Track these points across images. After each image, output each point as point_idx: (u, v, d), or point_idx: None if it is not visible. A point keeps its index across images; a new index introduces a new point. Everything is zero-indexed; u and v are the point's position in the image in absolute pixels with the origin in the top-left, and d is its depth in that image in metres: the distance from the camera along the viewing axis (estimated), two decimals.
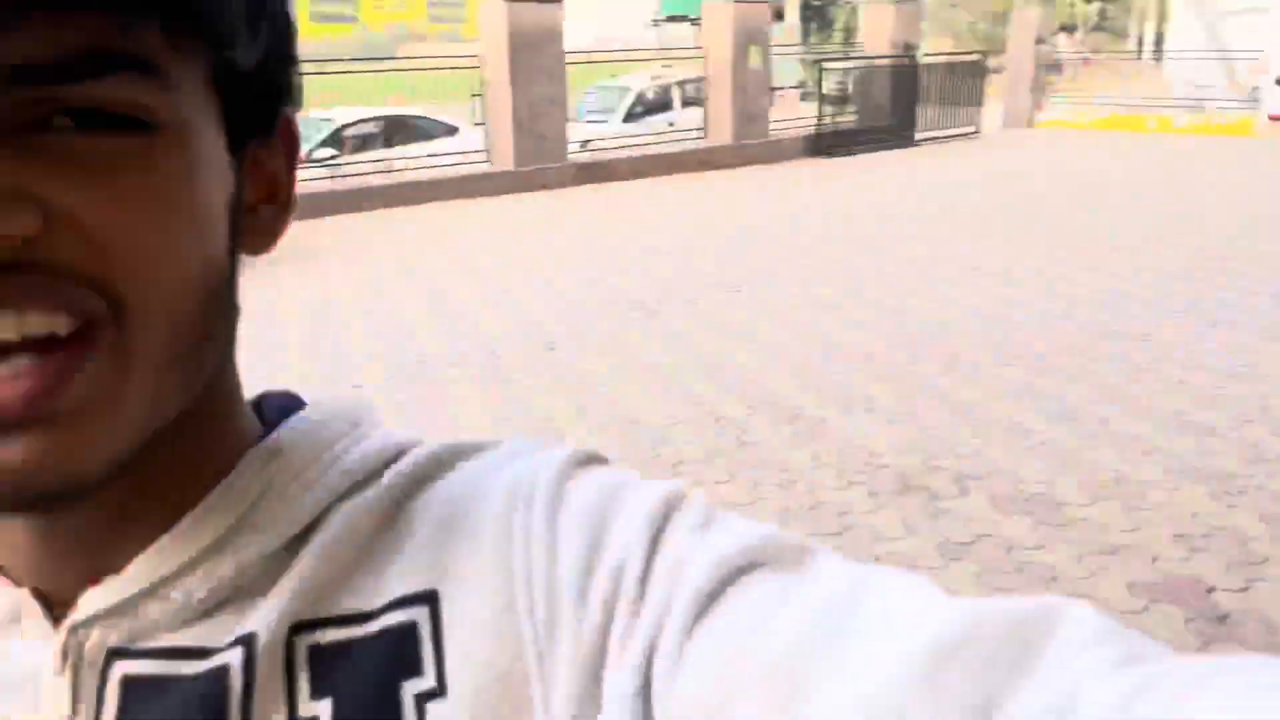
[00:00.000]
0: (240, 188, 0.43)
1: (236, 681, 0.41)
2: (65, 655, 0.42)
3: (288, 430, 0.47)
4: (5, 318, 0.34)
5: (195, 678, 0.41)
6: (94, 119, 0.36)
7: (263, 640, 0.41)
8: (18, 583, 0.43)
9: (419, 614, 0.42)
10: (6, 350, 0.35)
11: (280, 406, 0.49)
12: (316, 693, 0.41)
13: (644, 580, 0.39)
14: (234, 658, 0.41)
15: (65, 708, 0.41)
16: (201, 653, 0.41)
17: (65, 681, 0.41)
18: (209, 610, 0.42)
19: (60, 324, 0.35)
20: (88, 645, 0.42)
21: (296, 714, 0.41)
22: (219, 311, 0.42)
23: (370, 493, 0.45)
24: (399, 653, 0.41)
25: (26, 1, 0.33)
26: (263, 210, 0.46)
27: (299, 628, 0.42)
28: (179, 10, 0.36)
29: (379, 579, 0.43)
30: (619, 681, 0.38)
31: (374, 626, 0.42)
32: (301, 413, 0.48)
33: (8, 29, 0.33)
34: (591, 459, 0.46)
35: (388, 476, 0.45)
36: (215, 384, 0.44)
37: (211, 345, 0.42)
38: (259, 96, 0.43)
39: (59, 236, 0.35)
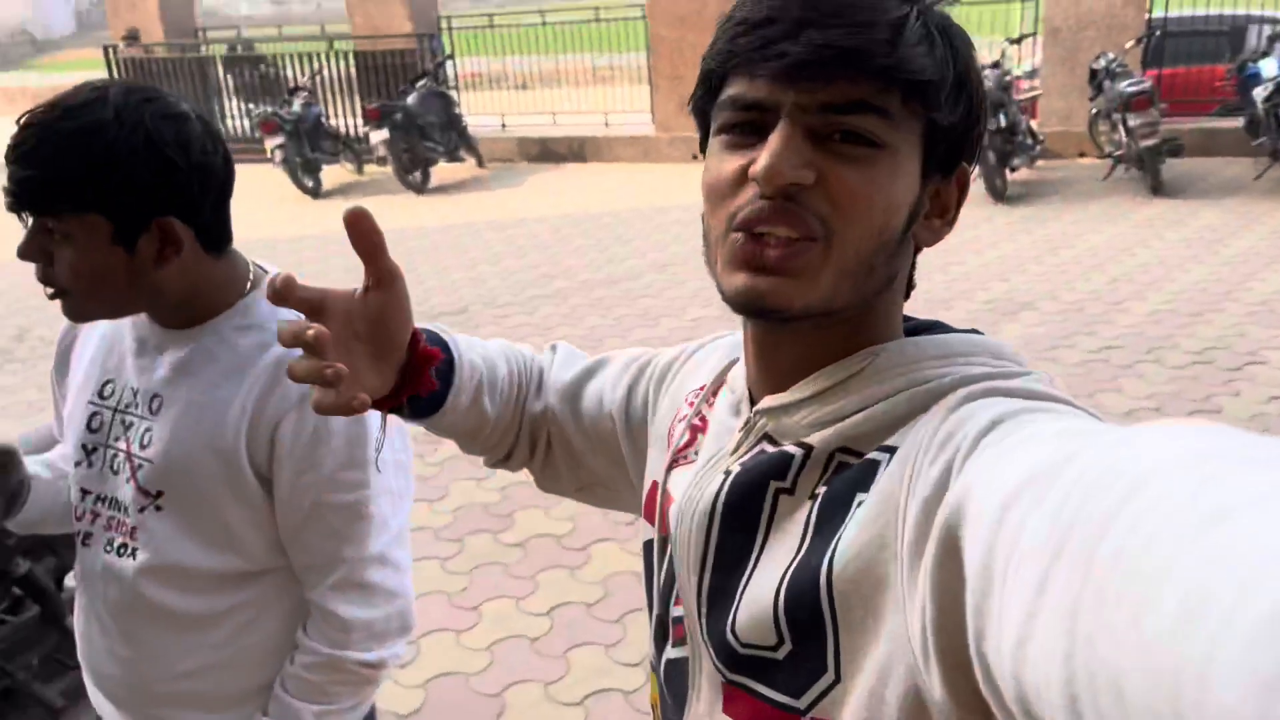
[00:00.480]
0: (919, 202, 0.73)
1: (794, 464, 0.73)
2: (746, 425, 0.78)
3: (910, 343, 0.73)
4: (781, 229, 0.68)
5: (778, 454, 0.75)
6: (851, 136, 0.68)
7: (816, 450, 0.72)
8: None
9: (883, 457, 0.68)
10: (771, 241, 0.68)
11: (941, 334, 0.77)
12: (821, 483, 0.72)
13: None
14: (798, 452, 0.73)
15: (733, 448, 0.78)
16: (778, 445, 0.75)
17: (739, 436, 0.78)
18: (812, 427, 0.73)
19: (798, 233, 0.68)
20: (754, 425, 0.77)
21: (815, 492, 0.71)
22: (883, 260, 0.71)
23: (922, 394, 0.70)
24: (863, 476, 0.69)
25: (837, 75, 0.66)
26: (934, 222, 0.76)
27: (839, 450, 0.72)
28: (912, 88, 0.67)
29: (888, 441, 0.69)
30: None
31: (865, 458, 0.70)
32: (938, 336, 0.74)
33: (829, 83, 0.66)
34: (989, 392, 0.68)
35: (947, 394, 0.68)
36: (874, 303, 0.74)
37: (872, 277, 0.71)
38: (948, 149, 0.72)
39: (816, 190, 0.68)
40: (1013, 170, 8.17)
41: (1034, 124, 8.99)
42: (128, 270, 1.18)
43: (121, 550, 1.30)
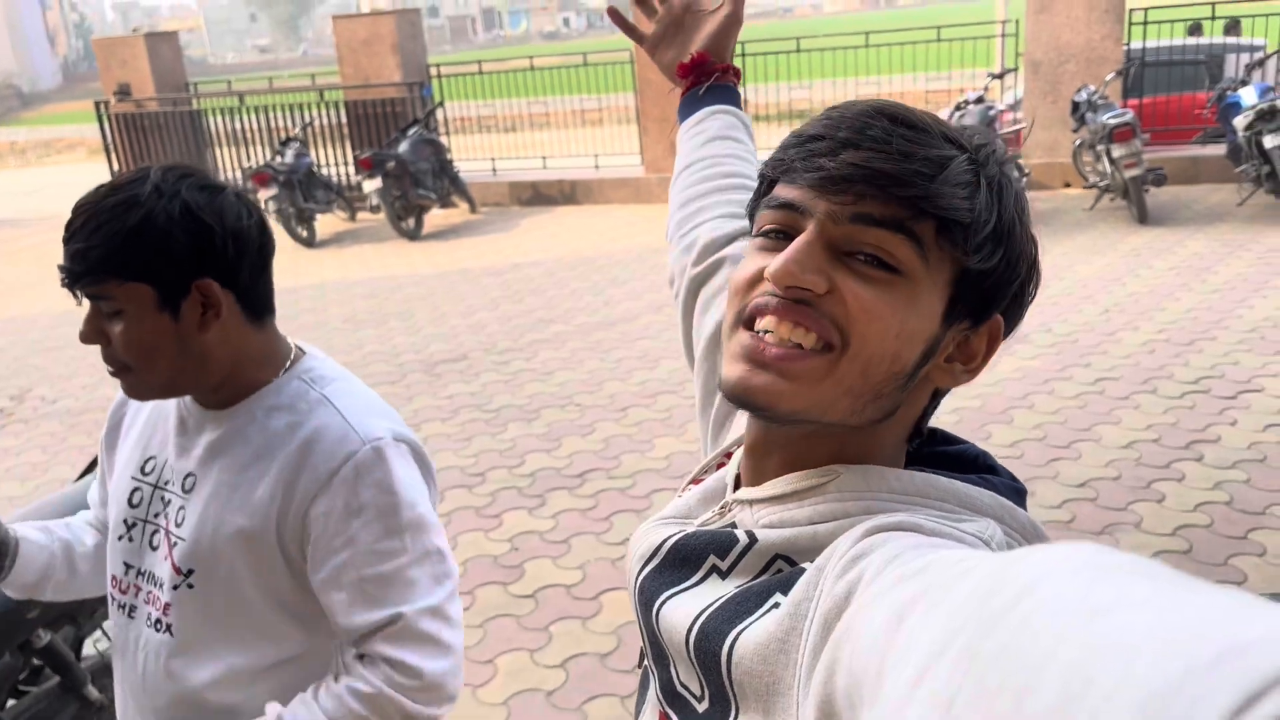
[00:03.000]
0: (940, 341, 0.72)
1: (736, 549, 0.74)
2: (723, 508, 0.81)
3: (876, 472, 0.72)
4: (787, 327, 0.70)
5: (725, 528, 0.77)
6: (874, 260, 0.69)
7: (759, 546, 0.73)
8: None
9: (809, 567, 0.67)
10: (773, 340, 0.70)
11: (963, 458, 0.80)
12: (755, 578, 0.73)
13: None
14: (744, 540, 0.74)
15: (712, 517, 0.82)
16: (734, 528, 0.77)
17: (713, 513, 0.82)
18: (766, 526, 0.74)
19: (810, 340, 0.69)
20: (728, 510, 0.80)
21: (744, 584, 0.72)
22: (891, 390, 0.71)
23: (856, 532, 0.66)
24: (789, 581, 0.68)
25: (881, 190, 0.68)
26: (955, 366, 0.75)
27: (780, 555, 0.72)
28: (944, 224, 0.68)
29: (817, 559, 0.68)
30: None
31: (798, 566, 0.70)
32: (920, 476, 0.72)
33: (867, 198, 0.68)
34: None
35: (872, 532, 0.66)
36: (873, 429, 0.74)
37: (876, 403, 0.72)
38: (980, 296, 0.72)
39: (830, 298, 0.69)
40: None
41: (1019, 156, 9.12)
42: (175, 336, 1.25)
43: (158, 626, 1.34)
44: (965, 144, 0.72)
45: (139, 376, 1.27)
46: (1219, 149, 8.55)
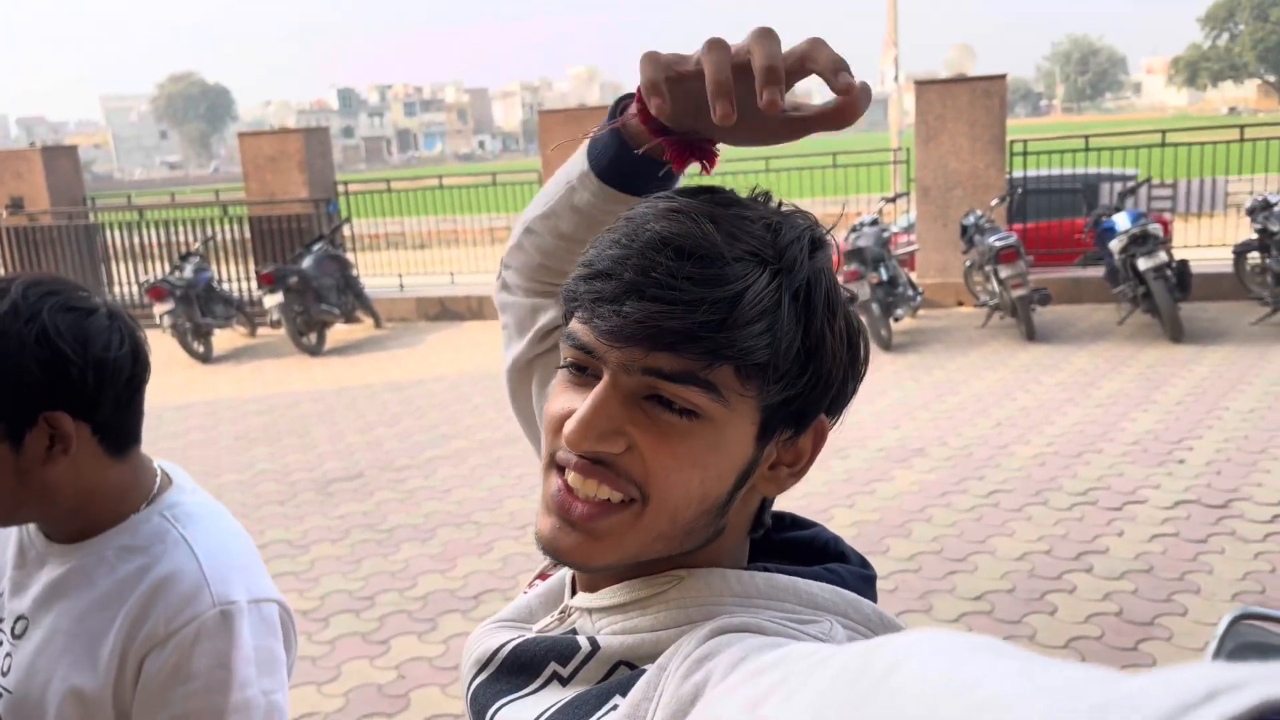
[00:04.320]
0: (754, 462, 0.70)
1: (579, 656, 0.72)
2: (562, 613, 0.78)
3: (718, 575, 0.71)
4: (591, 485, 0.68)
5: (566, 634, 0.75)
6: (669, 403, 0.66)
7: (602, 653, 0.71)
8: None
9: (649, 668, 0.66)
10: (581, 496, 0.69)
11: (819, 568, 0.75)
12: (597, 683, 0.71)
13: None
14: (586, 647, 0.72)
15: (552, 622, 0.78)
16: (576, 634, 0.75)
17: (554, 618, 0.79)
18: (609, 633, 0.72)
19: (614, 495, 0.68)
20: (568, 616, 0.78)
21: (569, 680, 0.72)
22: (706, 522, 0.71)
23: (699, 635, 0.65)
24: (628, 682, 0.68)
25: (670, 345, 0.64)
26: (780, 470, 0.73)
27: (624, 661, 0.70)
28: (747, 365, 0.65)
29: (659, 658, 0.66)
30: None
31: (639, 669, 0.69)
32: (762, 576, 0.71)
33: (658, 350, 0.64)
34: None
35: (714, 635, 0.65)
36: (694, 550, 0.72)
37: (691, 537, 0.71)
38: (793, 414, 0.70)
39: (630, 456, 0.67)
40: (896, 320, 8.52)
41: (913, 276, 9.46)
42: (15, 468, 1.12)
43: None
44: (766, 253, 0.66)
45: None
46: (1098, 271, 9.00)
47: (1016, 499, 4.98)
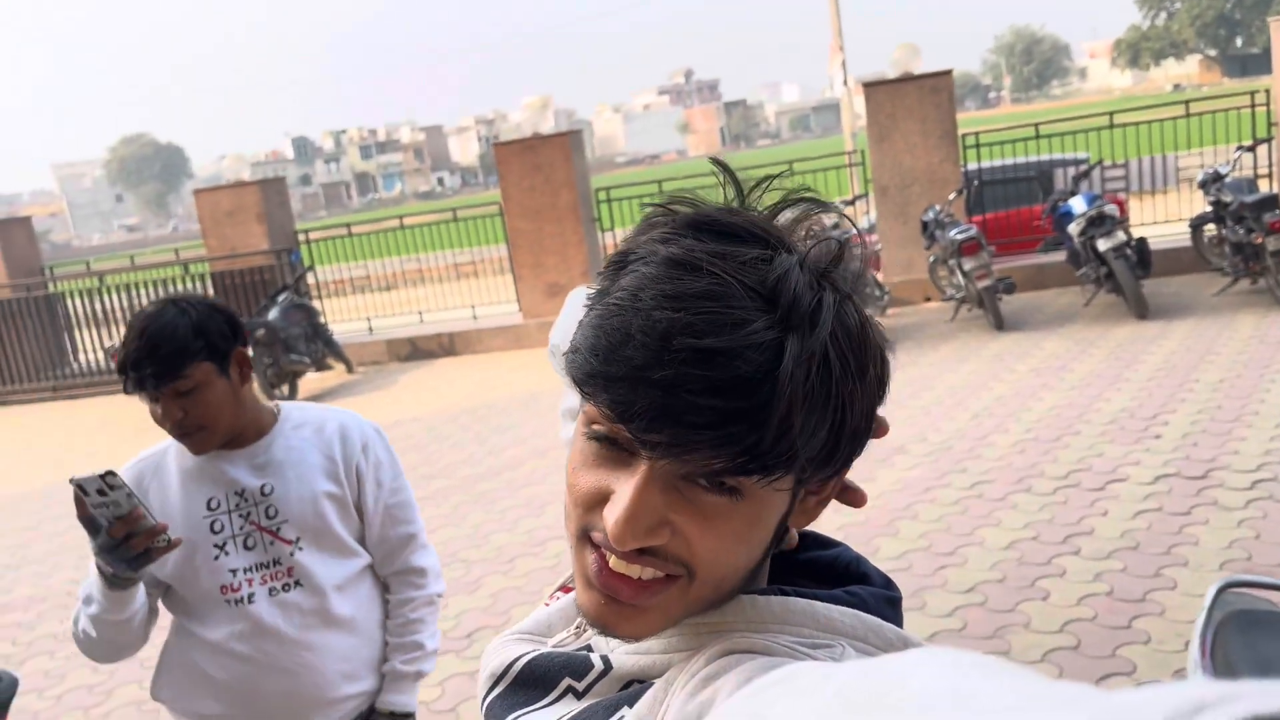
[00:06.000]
0: (791, 510, 0.71)
1: (593, 673, 0.75)
2: (578, 629, 0.82)
3: (733, 605, 0.70)
4: (636, 569, 0.66)
5: (581, 650, 0.78)
6: (709, 485, 0.64)
7: (615, 671, 0.74)
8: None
9: (648, 685, 0.69)
10: (625, 577, 0.67)
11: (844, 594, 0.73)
12: (602, 694, 0.73)
13: None
14: (600, 665, 0.75)
15: (568, 637, 0.82)
16: (590, 651, 0.78)
17: (570, 633, 0.82)
18: (623, 652, 0.75)
19: (659, 574, 0.67)
20: (583, 632, 0.81)
21: (584, 694, 0.75)
22: (749, 577, 0.71)
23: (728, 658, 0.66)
24: (636, 695, 0.69)
25: (705, 453, 0.62)
26: (810, 501, 0.73)
27: (636, 680, 0.72)
28: (775, 471, 0.63)
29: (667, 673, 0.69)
30: None
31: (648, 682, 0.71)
32: (778, 601, 0.70)
33: (696, 450, 0.62)
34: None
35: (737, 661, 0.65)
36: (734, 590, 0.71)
37: (735, 590, 0.71)
38: (823, 474, 0.69)
39: (675, 541, 0.66)
40: None
41: (879, 276, 9.53)
42: (232, 393, 1.87)
43: (286, 588, 1.91)
44: (782, 324, 0.61)
45: (208, 435, 1.86)
46: (1060, 256, 9.10)
47: (1000, 488, 5.00)
